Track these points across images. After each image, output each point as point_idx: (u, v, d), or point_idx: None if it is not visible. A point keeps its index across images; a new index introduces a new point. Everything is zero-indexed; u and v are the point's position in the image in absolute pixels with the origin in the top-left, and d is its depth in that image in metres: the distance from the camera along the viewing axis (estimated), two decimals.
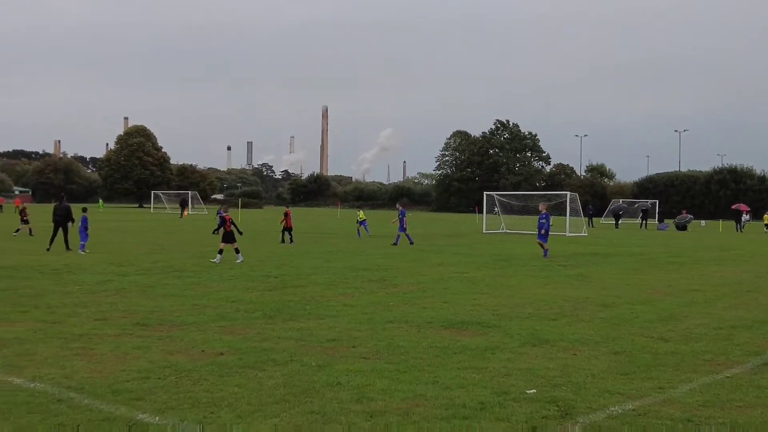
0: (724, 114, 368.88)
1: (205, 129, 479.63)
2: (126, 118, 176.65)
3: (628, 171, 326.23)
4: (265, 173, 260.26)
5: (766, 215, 56.65)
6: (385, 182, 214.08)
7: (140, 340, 9.80)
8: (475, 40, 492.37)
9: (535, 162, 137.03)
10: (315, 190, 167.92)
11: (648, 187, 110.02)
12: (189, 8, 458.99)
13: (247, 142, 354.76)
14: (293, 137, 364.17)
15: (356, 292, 15.25)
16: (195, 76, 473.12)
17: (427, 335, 10.46)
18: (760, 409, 6.98)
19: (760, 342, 10.39)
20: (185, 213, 72.96)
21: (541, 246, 25.43)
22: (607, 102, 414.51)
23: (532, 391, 7.42)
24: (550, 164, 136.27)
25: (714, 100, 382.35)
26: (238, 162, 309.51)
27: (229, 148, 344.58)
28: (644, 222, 62.53)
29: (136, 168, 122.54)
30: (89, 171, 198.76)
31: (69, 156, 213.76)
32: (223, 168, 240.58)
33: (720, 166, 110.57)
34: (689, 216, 61.12)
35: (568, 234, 42.22)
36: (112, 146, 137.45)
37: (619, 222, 63.29)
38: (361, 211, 40.64)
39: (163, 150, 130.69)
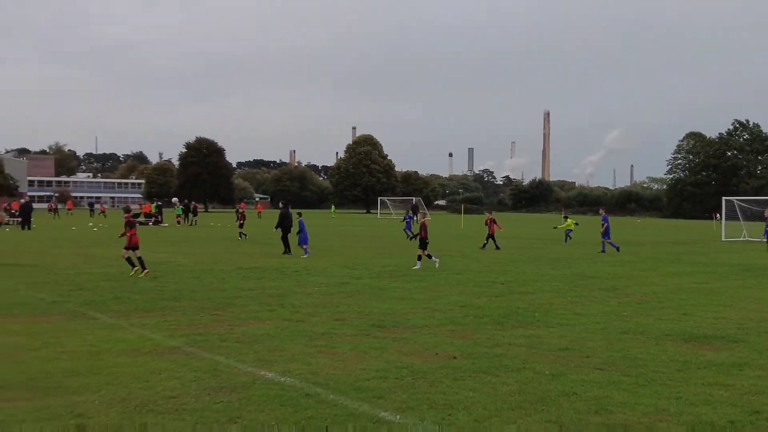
0: None
1: (427, 137, 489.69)
2: (354, 128, 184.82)
3: None
4: (486, 179, 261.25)
5: None
6: (610, 187, 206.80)
7: (377, 341, 10.22)
8: (709, 38, 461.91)
9: None
10: (537, 196, 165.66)
11: None
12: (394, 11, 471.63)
13: (468, 149, 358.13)
14: (514, 142, 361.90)
15: (586, 301, 14.87)
16: (416, 85, 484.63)
17: (667, 348, 9.97)
18: None
19: None
20: (417, 218, 75.07)
21: None
22: None
23: None
24: None
25: None
26: (459, 168, 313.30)
27: (450, 155, 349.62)
28: None
29: (364, 175, 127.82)
30: (321, 179, 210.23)
31: (303, 165, 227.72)
32: (445, 174, 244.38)
33: None
34: None
35: None
36: (341, 155, 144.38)
37: None
38: (569, 218, 38.93)
39: (388, 158, 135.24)
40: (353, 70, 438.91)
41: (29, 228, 44.66)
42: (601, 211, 34.13)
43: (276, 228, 27.56)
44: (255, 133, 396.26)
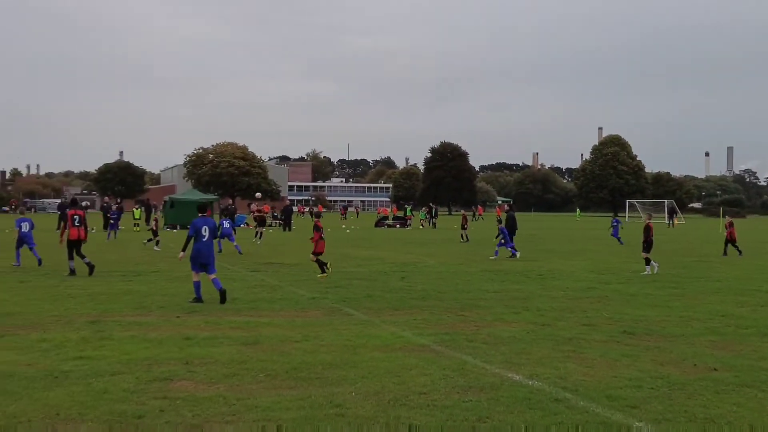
0: None
1: (681, 135, 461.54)
2: (600, 129, 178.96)
3: None
4: (747, 180, 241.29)
5: None
6: None
7: (628, 348, 9.82)
8: None
9: None
10: None
11: None
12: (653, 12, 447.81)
13: (727, 147, 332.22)
14: None
15: None
16: (668, 83, 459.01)
17: None
18: None
19: None
20: (675, 221, 71.68)
21: None
22: None
23: None
24: None
25: None
26: (717, 168, 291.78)
27: (707, 154, 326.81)
28: None
29: (611, 177, 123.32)
30: (565, 181, 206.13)
31: (546, 167, 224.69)
32: (701, 175, 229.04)
33: None
34: None
35: None
36: (587, 156, 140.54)
37: None
38: None
39: (637, 158, 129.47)
40: (599, 70, 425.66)
41: (290, 229, 48.22)
42: None
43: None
44: (498, 136, 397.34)
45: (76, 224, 18.56)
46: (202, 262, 13.96)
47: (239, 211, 52.91)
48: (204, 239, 14.06)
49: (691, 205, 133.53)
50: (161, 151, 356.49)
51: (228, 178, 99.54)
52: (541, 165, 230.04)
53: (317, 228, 19.06)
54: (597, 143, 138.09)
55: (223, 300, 13.61)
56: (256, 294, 15.18)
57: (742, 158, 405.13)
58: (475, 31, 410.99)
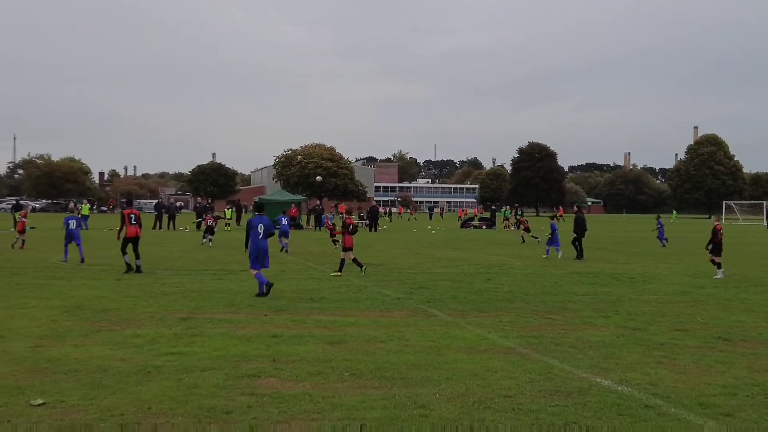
0: None
1: None
2: (696, 128, 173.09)
3: None
4: None
5: None
6: None
7: (723, 355, 9.47)
8: None
9: None
10: None
11: None
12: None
13: None
14: None
15: None
16: (763, 78, 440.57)
17: None
18: None
19: None
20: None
21: None
22: None
23: None
24: None
25: None
26: None
27: None
28: None
29: (707, 178, 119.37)
30: (658, 182, 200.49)
31: (638, 167, 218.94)
32: None
33: None
34: None
35: None
36: (681, 156, 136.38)
37: None
38: None
39: (735, 158, 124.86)
40: (694, 66, 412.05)
41: (376, 230, 48.53)
42: None
43: (574, 233, 26.66)
44: (587, 135, 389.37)
45: (133, 222, 19.46)
46: (260, 257, 14.96)
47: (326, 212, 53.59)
48: (259, 236, 15.02)
49: None
50: (252, 153, 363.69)
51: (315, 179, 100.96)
52: (633, 165, 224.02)
53: (345, 226, 19.67)
54: (692, 142, 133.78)
55: (266, 293, 14.64)
56: (342, 294, 15.32)
57: None
58: (564, 28, 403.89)
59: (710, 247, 20.19)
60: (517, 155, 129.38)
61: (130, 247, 19.30)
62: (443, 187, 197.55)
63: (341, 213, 63.96)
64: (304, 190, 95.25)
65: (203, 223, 34.56)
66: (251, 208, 52.76)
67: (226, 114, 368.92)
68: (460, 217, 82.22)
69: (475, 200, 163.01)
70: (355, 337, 10.40)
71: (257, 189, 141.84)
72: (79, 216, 26.26)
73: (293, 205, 52.08)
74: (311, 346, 9.74)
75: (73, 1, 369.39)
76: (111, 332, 10.65)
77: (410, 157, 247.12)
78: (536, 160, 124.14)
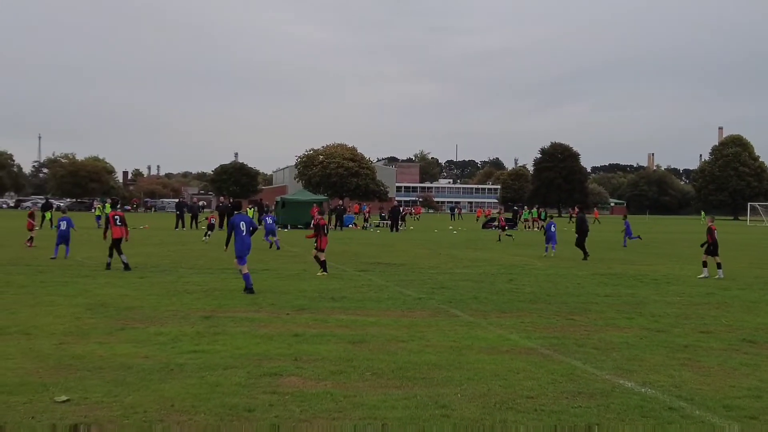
0: None
1: None
2: (720, 128, 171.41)
3: None
4: None
5: None
6: None
7: (748, 357, 9.37)
8: None
9: None
10: None
11: None
12: None
13: None
14: None
15: None
16: None
17: None
18: None
19: None
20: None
21: None
22: None
23: None
24: None
25: None
26: None
27: None
28: None
29: (732, 179, 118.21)
30: (682, 183, 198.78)
31: (662, 168, 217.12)
32: None
33: None
34: None
35: None
36: (705, 157, 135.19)
37: None
38: None
39: (760, 159, 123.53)
40: (719, 65, 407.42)
41: (397, 230, 48.52)
42: None
43: (576, 233, 27.34)
44: (611, 136, 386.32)
45: (118, 224, 19.91)
46: (245, 252, 15.30)
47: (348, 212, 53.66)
48: (243, 234, 15.33)
49: None
50: (274, 153, 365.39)
51: (337, 179, 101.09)
52: (657, 166, 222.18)
53: (316, 227, 19.42)
54: (717, 143, 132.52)
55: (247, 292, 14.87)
56: (364, 293, 15.33)
57: None
58: (585, 29, 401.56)
59: (704, 246, 20.43)
60: (539, 155, 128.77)
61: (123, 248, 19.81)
62: (464, 188, 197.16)
63: (356, 213, 64.28)
64: (326, 189, 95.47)
65: (206, 220, 37.40)
66: (268, 207, 52.86)
67: (248, 114, 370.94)
68: (478, 217, 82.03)
69: (496, 201, 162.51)
70: (376, 336, 10.40)
71: (279, 189, 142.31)
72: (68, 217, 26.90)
73: (315, 204, 52.23)
74: (333, 345, 9.76)
75: (101, 1, 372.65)
76: (134, 330, 10.73)
77: (432, 157, 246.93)
78: (559, 161, 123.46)
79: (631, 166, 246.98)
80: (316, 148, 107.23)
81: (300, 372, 8.21)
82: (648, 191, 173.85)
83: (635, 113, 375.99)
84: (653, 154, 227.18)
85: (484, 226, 58.66)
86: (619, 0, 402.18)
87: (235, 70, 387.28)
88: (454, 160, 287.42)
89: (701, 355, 9.45)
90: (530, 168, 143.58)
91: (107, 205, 49.81)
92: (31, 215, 29.03)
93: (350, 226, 53.91)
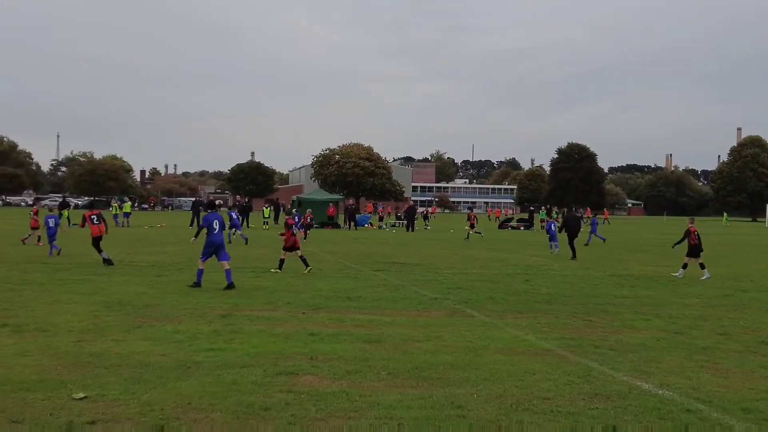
0: None
1: None
2: (739, 129, 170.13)
3: None
4: None
5: None
6: None
7: (766, 359, 9.32)
8: None
9: None
10: None
11: None
12: None
13: None
14: None
15: None
16: None
17: None
18: None
19: None
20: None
21: None
22: None
23: None
24: None
25: None
26: None
27: None
28: None
29: (750, 180, 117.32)
30: (700, 184, 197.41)
31: (680, 169, 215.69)
32: None
33: None
34: None
35: None
36: (724, 158, 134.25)
37: None
38: None
39: None
40: (738, 66, 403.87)
41: (413, 230, 48.51)
42: None
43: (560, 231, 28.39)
44: (628, 136, 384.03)
45: (96, 222, 20.67)
46: (212, 251, 15.97)
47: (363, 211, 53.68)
48: (215, 232, 16.08)
49: None
50: (290, 152, 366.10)
51: (353, 179, 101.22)
52: (675, 167, 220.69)
53: (287, 226, 19.60)
54: (735, 144, 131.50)
55: (228, 288, 15.31)
56: (379, 293, 15.34)
57: None
58: (604, 29, 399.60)
59: (677, 246, 20.89)
60: (556, 156, 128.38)
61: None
62: (481, 188, 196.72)
63: (369, 212, 64.27)
64: (342, 189, 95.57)
65: None
66: (285, 206, 53.18)
67: (265, 113, 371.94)
68: (490, 217, 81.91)
69: (512, 201, 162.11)
70: (392, 336, 10.40)
71: (295, 188, 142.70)
72: (59, 216, 27.19)
73: (330, 204, 52.30)
74: (348, 344, 9.77)
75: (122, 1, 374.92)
76: (152, 328, 10.79)
77: (448, 157, 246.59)
78: (576, 161, 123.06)
79: (648, 167, 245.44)
80: (332, 147, 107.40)
81: (316, 371, 8.23)
82: (666, 192, 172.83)
83: (653, 114, 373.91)
84: (671, 155, 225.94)
85: (500, 227, 58.57)
86: (639, 2, 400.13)
87: (253, 70, 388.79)
88: (471, 160, 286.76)
89: (719, 358, 9.38)
90: (547, 168, 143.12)
91: (126, 205, 50.31)
92: (37, 213, 29.21)
93: (366, 225, 53.96)
